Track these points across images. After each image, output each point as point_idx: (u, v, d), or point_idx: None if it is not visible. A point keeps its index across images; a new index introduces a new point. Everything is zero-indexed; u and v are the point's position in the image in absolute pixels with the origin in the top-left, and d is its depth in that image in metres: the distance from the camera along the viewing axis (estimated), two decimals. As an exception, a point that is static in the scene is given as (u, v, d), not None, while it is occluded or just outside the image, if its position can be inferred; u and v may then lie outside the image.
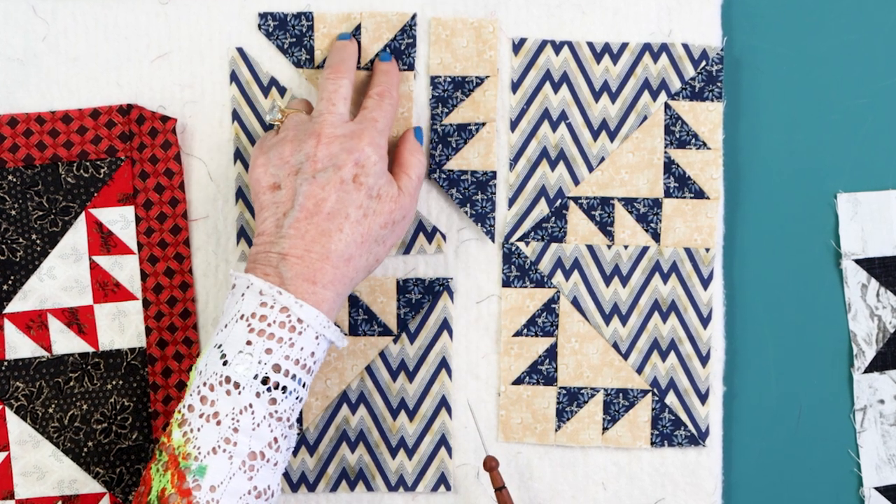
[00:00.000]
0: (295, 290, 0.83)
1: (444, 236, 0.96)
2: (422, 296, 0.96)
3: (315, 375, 0.95)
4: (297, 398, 0.83)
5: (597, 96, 0.96)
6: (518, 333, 0.96)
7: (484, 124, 0.96)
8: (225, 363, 0.82)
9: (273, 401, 0.82)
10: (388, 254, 0.89)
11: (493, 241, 0.96)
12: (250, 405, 0.81)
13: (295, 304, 0.82)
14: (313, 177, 0.85)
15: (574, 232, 0.96)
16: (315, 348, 0.84)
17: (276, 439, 0.82)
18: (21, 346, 0.94)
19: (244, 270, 0.86)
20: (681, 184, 0.96)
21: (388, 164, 0.89)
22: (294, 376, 0.83)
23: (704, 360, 0.96)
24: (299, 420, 0.96)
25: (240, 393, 0.81)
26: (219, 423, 0.81)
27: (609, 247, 0.96)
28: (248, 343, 0.82)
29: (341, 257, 0.85)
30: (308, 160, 0.86)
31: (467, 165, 0.96)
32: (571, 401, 0.96)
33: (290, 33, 0.95)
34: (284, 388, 0.82)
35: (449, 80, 0.95)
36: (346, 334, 0.96)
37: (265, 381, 0.82)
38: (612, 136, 0.96)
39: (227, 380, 0.82)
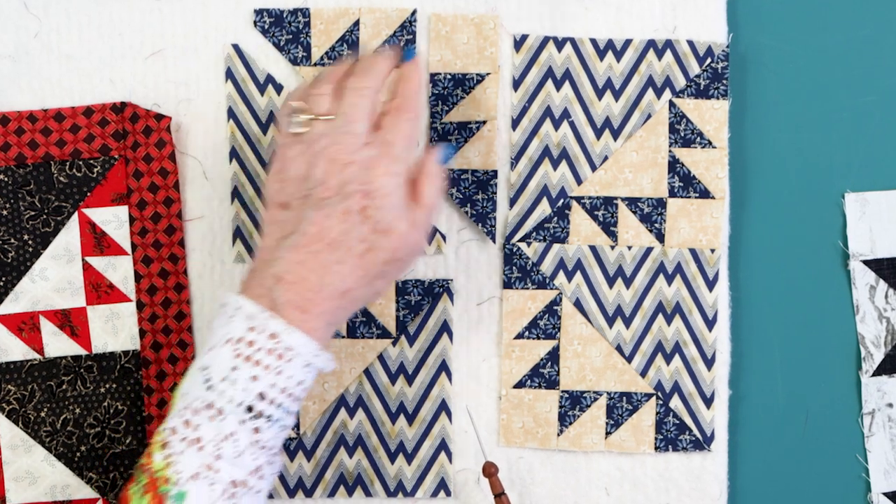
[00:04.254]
0: (286, 317, 0.80)
1: (444, 237, 0.95)
2: (421, 297, 0.95)
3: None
4: (282, 426, 0.81)
5: (600, 94, 0.95)
6: (519, 336, 0.95)
7: (485, 122, 0.95)
8: (209, 388, 0.80)
9: (257, 429, 0.80)
10: (389, 287, 0.86)
11: (494, 241, 0.96)
12: (233, 433, 0.79)
13: (285, 330, 0.80)
14: (320, 205, 0.81)
15: (577, 232, 0.95)
16: (304, 376, 0.81)
17: (259, 467, 0.80)
18: (13, 349, 0.94)
19: (239, 290, 0.83)
20: (686, 183, 0.95)
21: (405, 188, 0.84)
22: (280, 405, 0.80)
23: (710, 362, 0.95)
24: (297, 425, 0.95)
25: (223, 420, 0.79)
26: (201, 448, 0.79)
27: (612, 247, 0.95)
28: (234, 369, 0.79)
29: (337, 290, 0.81)
30: (319, 186, 0.82)
31: (468, 164, 0.95)
32: (574, 405, 0.95)
33: (287, 30, 0.94)
34: (269, 416, 0.80)
35: (449, 77, 0.95)
36: (343, 336, 0.95)
37: (250, 408, 0.79)
38: (615, 134, 0.95)
39: (211, 405, 0.79)
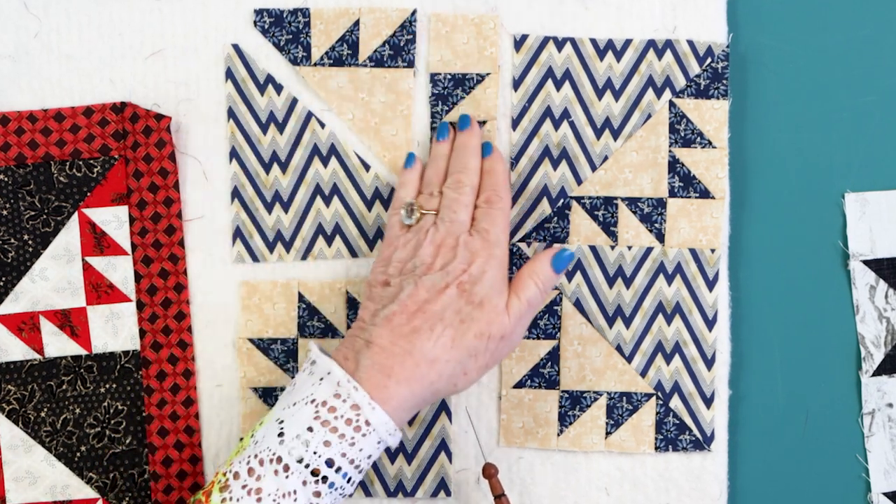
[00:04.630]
0: (367, 381, 0.82)
1: (444, 237, 0.95)
2: (421, 297, 0.95)
3: None
4: (341, 494, 0.82)
5: (600, 94, 0.95)
6: (519, 336, 0.95)
7: (485, 122, 0.95)
8: (281, 442, 0.81)
9: (318, 493, 0.81)
10: (480, 374, 0.87)
11: (494, 241, 0.95)
12: (294, 491, 0.80)
13: (368, 405, 0.82)
14: (421, 279, 0.85)
15: (577, 232, 0.95)
16: (373, 451, 0.83)
17: None
18: (13, 349, 0.93)
19: (332, 353, 0.85)
20: (686, 183, 0.95)
21: (505, 272, 0.88)
22: (345, 474, 0.82)
23: (710, 362, 0.95)
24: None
25: (287, 476, 0.80)
26: (259, 500, 0.80)
27: (612, 247, 0.95)
28: (310, 429, 0.81)
29: (425, 356, 0.84)
30: (422, 265, 0.86)
31: (468, 164, 0.95)
32: (574, 405, 0.95)
33: (287, 30, 0.94)
34: (332, 483, 0.81)
35: (449, 77, 0.94)
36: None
37: (315, 472, 0.81)
38: (615, 134, 0.95)
39: (279, 459, 0.81)
